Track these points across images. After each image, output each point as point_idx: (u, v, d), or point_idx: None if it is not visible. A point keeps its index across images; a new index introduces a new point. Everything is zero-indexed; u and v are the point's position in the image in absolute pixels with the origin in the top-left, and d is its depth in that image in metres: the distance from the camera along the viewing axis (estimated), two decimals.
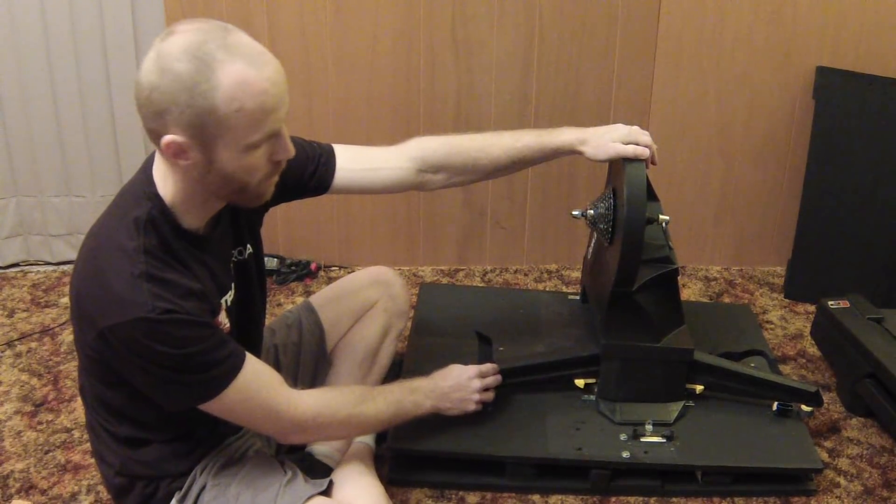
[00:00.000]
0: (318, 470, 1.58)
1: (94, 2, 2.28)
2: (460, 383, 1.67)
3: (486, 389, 1.71)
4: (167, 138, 1.19)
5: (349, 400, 1.46)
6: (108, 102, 2.39)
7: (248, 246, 1.48)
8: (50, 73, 2.34)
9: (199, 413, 1.33)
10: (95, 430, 1.42)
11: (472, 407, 1.67)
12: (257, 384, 1.34)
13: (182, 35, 1.18)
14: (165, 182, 1.28)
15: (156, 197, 1.28)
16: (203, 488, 1.40)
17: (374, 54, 2.36)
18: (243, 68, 1.18)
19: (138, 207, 1.27)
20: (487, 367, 1.73)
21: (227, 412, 1.33)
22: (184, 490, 1.40)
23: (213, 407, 1.31)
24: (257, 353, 1.56)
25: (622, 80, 2.41)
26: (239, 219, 1.45)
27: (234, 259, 1.44)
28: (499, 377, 1.74)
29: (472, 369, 1.70)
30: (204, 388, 1.28)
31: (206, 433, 1.45)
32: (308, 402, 1.40)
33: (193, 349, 1.24)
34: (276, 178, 1.32)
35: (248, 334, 1.51)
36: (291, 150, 1.29)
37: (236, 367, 1.30)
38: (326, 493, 1.41)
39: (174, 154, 1.21)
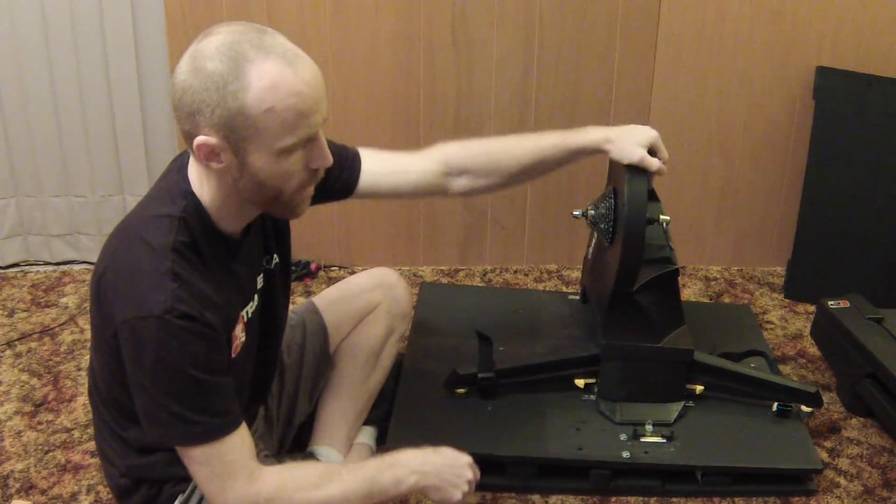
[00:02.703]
0: None
1: (94, 2, 2.28)
2: (455, 463, 1.41)
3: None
4: (199, 139, 1.17)
5: (312, 481, 1.30)
6: (108, 102, 2.39)
7: (276, 256, 1.46)
8: (50, 73, 2.34)
9: None
10: (102, 430, 1.41)
11: (457, 496, 1.39)
12: (233, 458, 1.24)
13: (217, 35, 1.16)
14: (201, 184, 1.25)
15: (192, 196, 1.25)
16: None
17: (374, 54, 2.36)
18: (276, 68, 1.15)
19: (173, 205, 1.24)
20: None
21: (189, 465, 1.25)
22: (187, 493, 1.39)
23: (181, 452, 1.23)
24: (274, 362, 1.56)
25: (622, 80, 2.41)
26: (266, 226, 1.43)
27: (262, 268, 1.42)
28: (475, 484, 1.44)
29: (468, 458, 1.44)
30: (185, 428, 1.20)
31: None
32: (267, 479, 1.27)
33: (194, 373, 1.18)
34: (312, 189, 1.28)
35: (268, 345, 1.49)
36: (329, 159, 1.24)
37: (226, 425, 1.23)
38: None
39: (206, 156, 1.19)
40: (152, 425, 1.24)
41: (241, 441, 1.25)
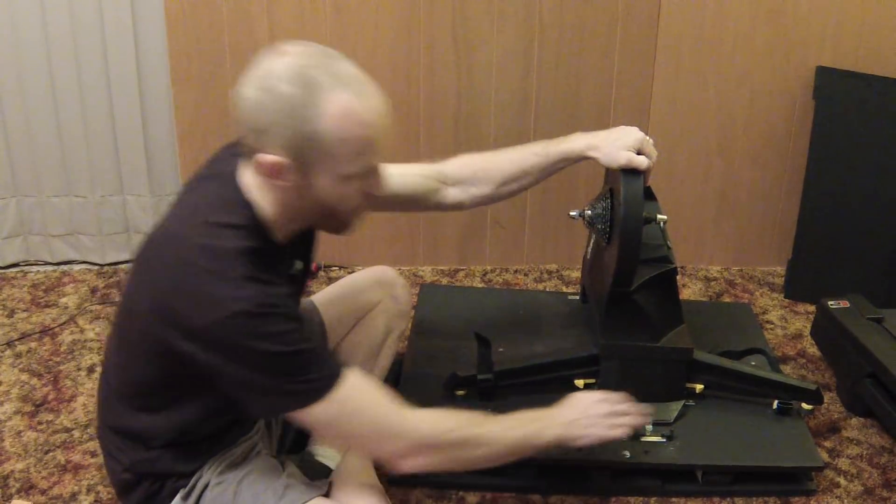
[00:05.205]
0: (318, 471, 1.58)
1: (94, 2, 2.28)
2: (586, 409, 1.50)
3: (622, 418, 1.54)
4: (267, 157, 1.21)
5: (467, 420, 1.37)
6: (108, 102, 2.39)
7: (302, 262, 1.48)
8: (50, 73, 2.34)
9: (219, 416, 1.33)
10: (109, 426, 1.42)
11: (605, 432, 1.48)
12: (361, 398, 1.28)
13: (289, 57, 1.20)
14: (259, 195, 1.28)
15: (252, 207, 1.28)
16: (206, 486, 1.40)
17: (374, 54, 2.36)
18: (349, 98, 1.20)
19: (234, 215, 1.26)
20: (616, 394, 1.56)
21: (327, 427, 1.29)
22: (188, 488, 1.40)
23: (309, 418, 1.26)
24: None
25: (622, 80, 2.41)
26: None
27: (290, 273, 1.44)
28: (639, 415, 1.55)
29: (596, 394, 1.54)
30: (301, 395, 1.24)
31: (222, 435, 1.44)
32: (422, 418, 1.33)
33: (292, 347, 1.21)
34: (364, 212, 1.34)
35: None
36: (385, 187, 1.31)
37: (334, 375, 1.25)
38: (326, 493, 1.40)
39: (270, 173, 1.23)
40: (261, 407, 1.28)
41: (361, 379, 1.29)
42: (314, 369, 1.23)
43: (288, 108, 1.18)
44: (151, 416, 1.37)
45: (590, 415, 1.50)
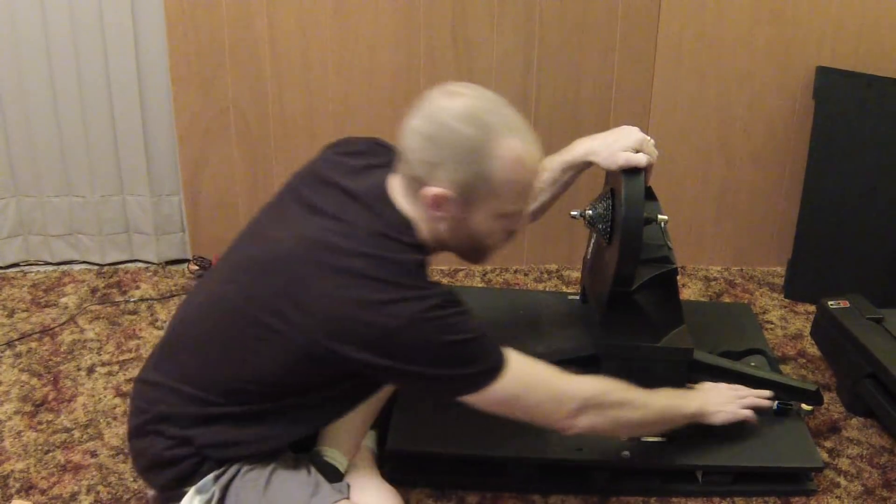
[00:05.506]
0: (329, 472, 1.58)
1: (94, 2, 2.28)
2: (720, 391, 1.70)
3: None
4: (434, 190, 1.31)
5: (618, 385, 1.50)
6: (108, 102, 2.39)
7: None
8: (50, 73, 2.34)
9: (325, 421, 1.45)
10: (171, 413, 1.41)
11: (737, 410, 1.67)
12: (530, 369, 1.40)
13: (463, 98, 1.31)
14: (413, 216, 1.37)
15: (414, 229, 1.36)
16: (238, 472, 1.41)
17: (374, 54, 2.36)
18: (521, 145, 1.31)
19: (402, 233, 1.34)
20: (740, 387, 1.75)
21: (506, 402, 1.37)
22: (220, 470, 1.41)
23: (489, 397, 1.34)
24: None
25: (622, 80, 2.41)
26: None
27: None
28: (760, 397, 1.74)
29: (724, 385, 1.73)
30: (482, 376, 1.33)
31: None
32: (583, 380, 1.47)
33: (472, 334, 1.31)
34: (502, 247, 1.45)
35: None
36: (526, 225, 1.47)
37: (502, 354, 1.35)
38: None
39: (434, 204, 1.32)
40: (450, 396, 1.36)
41: (520, 355, 1.39)
42: (490, 351, 1.34)
43: (464, 148, 1.28)
44: (254, 421, 1.40)
45: (722, 395, 1.68)
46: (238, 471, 1.41)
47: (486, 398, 1.35)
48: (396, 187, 1.38)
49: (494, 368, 1.34)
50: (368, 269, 1.28)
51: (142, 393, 1.48)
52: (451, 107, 1.30)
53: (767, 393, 1.75)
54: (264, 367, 1.36)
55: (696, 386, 1.71)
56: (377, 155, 1.49)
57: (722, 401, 1.68)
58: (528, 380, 1.39)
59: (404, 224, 1.36)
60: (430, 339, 1.28)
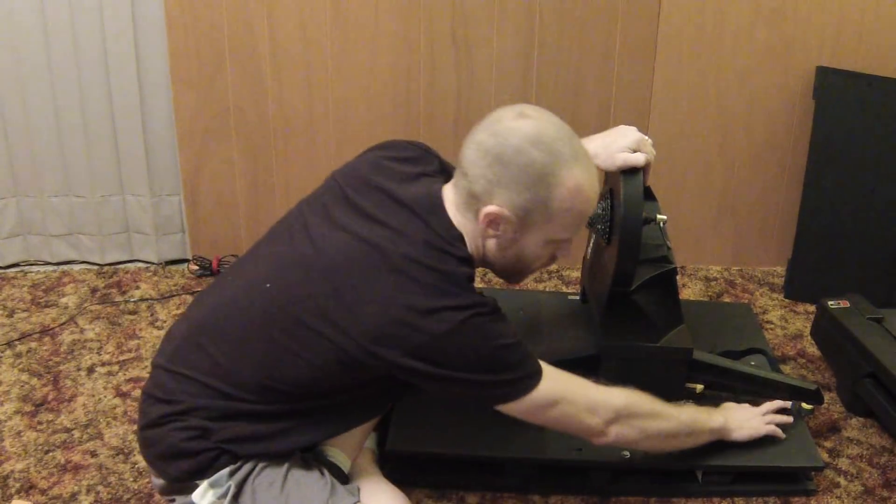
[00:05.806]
0: (333, 472, 1.58)
1: (94, 2, 2.28)
2: (743, 408, 1.73)
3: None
4: (493, 209, 1.31)
5: (644, 396, 1.51)
6: (108, 102, 2.39)
7: None
8: (50, 73, 2.34)
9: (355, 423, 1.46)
10: (201, 397, 1.40)
11: (760, 426, 1.69)
12: (563, 378, 1.41)
13: (532, 120, 1.31)
14: (465, 232, 1.37)
15: (465, 244, 1.37)
16: (253, 469, 1.41)
17: (374, 54, 2.36)
18: (582, 174, 1.32)
19: (454, 247, 1.34)
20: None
21: (542, 409, 1.38)
22: (236, 465, 1.40)
23: (526, 404, 1.36)
24: None
25: (622, 80, 2.41)
26: None
27: None
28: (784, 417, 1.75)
29: (747, 404, 1.76)
30: (521, 382, 1.35)
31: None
32: (613, 390, 1.47)
33: (513, 340, 1.33)
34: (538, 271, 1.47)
35: None
36: (570, 255, 1.45)
37: (537, 363, 1.38)
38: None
39: (489, 222, 1.33)
40: (492, 402, 1.38)
41: (552, 367, 1.41)
42: (529, 357, 1.36)
43: (531, 172, 1.28)
44: (280, 420, 1.40)
45: (745, 412, 1.71)
46: (254, 468, 1.41)
47: (526, 404, 1.36)
48: (450, 198, 1.38)
49: (534, 374, 1.36)
50: (421, 277, 1.29)
51: (161, 382, 1.44)
52: (520, 128, 1.30)
53: (787, 404, 1.76)
54: (301, 368, 1.35)
55: (720, 405, 1.73)
56: (428, 163, 1.49)
57: (746, 416, 1.70)
58: (564, 387, 1.41)
59: (456, 237, 1.35)
60: (475, 344, 1.29)
